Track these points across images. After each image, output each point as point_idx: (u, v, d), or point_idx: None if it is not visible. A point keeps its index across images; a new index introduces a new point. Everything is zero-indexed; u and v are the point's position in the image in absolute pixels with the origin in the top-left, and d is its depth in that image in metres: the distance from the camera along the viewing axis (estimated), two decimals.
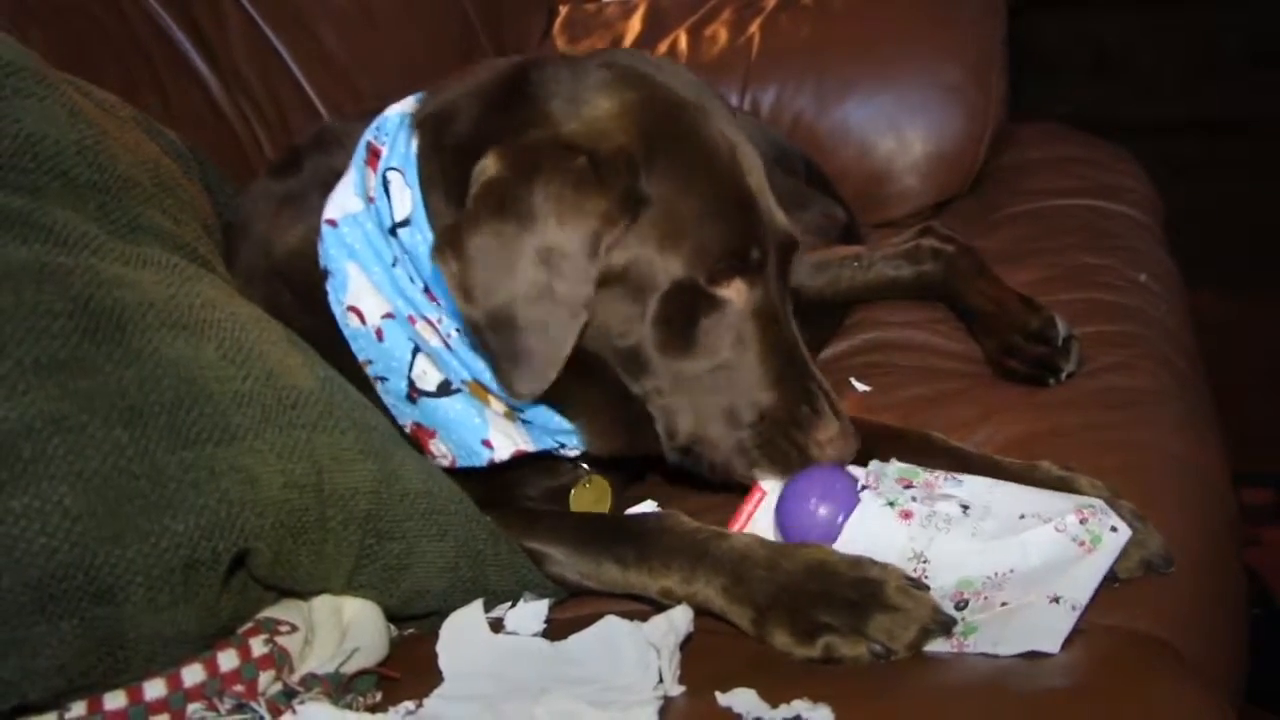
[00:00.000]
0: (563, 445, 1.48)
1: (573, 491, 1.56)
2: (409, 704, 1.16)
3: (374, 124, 1.50)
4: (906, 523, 1.30)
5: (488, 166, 1.32)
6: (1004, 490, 1.32)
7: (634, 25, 2.85)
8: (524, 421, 1.46)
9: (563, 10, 3.00)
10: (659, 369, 1.40)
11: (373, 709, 1.22)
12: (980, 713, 1.09)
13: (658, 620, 1.19)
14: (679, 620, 1.20)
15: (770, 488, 1.41)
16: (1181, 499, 1.50)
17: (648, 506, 1.45)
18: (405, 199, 1.41)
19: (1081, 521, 1.24)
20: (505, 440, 1.44)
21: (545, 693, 1.11)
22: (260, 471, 1.20)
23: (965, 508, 1.30)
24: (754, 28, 2.71)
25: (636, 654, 1.14)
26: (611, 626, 1.18)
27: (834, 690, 1.12)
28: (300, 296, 1.52)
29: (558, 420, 1.45)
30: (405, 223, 1.41)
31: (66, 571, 1.06)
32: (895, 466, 1.39)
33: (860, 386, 1.85)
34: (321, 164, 1.59)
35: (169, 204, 1.42)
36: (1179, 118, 3.75)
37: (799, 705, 1.09)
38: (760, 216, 1.40)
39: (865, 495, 1.35)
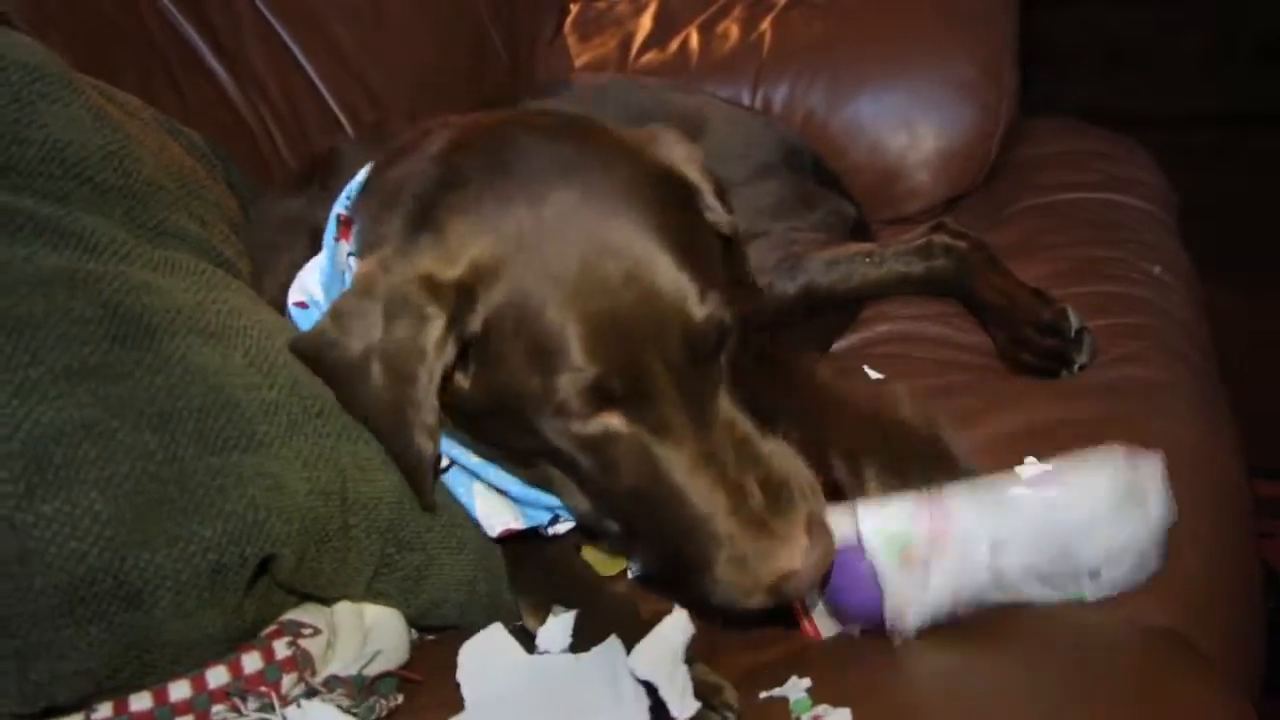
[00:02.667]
0: (558, 518, 1.40)
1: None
2: None
3: (345, 190, 1.45)
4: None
5: (349, 282, 1.30)
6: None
7: (644, 23, 2.85)
8: (514, 499, 1.40)
9: (574, 8, 2.99)
10: (589, 492, 1.30)
11: (394, 711, 1.23)
12: (992, 707, 1.10)
13: (645, 649, 1.11)
14: (671, 638, 1.13)
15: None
16: (1195, 490, 1.50)
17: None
18: None
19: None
20: (494, 517, 1.39)
21: (554, 713, 1.11)
22: (287, 478, 1.21)
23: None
24: (765, 25, 2.70)
25: (633, 687, 1.10)
26: (613, 654, 1.13)
27: (847, 689, 1.13)
28: None
29: (548, 497, 1.37)
30: None
31: (96, 575, 1.07)
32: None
33: (873, 375, 1.86)
34: (319, 197, 1.56)
35: (195, 206, 1.43)
36: (1191, 111, 3.74)
37: (820, 708, 1.11)
38: (628, 334, 1.21)
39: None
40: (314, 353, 1.31)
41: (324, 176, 1.62)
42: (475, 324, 1.24)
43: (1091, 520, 1.20)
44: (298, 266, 1.48)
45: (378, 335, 1.26)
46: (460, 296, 1.23)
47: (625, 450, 1.24)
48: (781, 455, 1.24)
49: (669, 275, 1.23)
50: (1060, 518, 1.19)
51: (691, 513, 1.21)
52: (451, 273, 1.24)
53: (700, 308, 1.23)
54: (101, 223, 1.25)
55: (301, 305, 1.44)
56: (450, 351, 1.24)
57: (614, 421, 1.23)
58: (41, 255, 1.17)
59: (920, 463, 1.22)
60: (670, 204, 1.30)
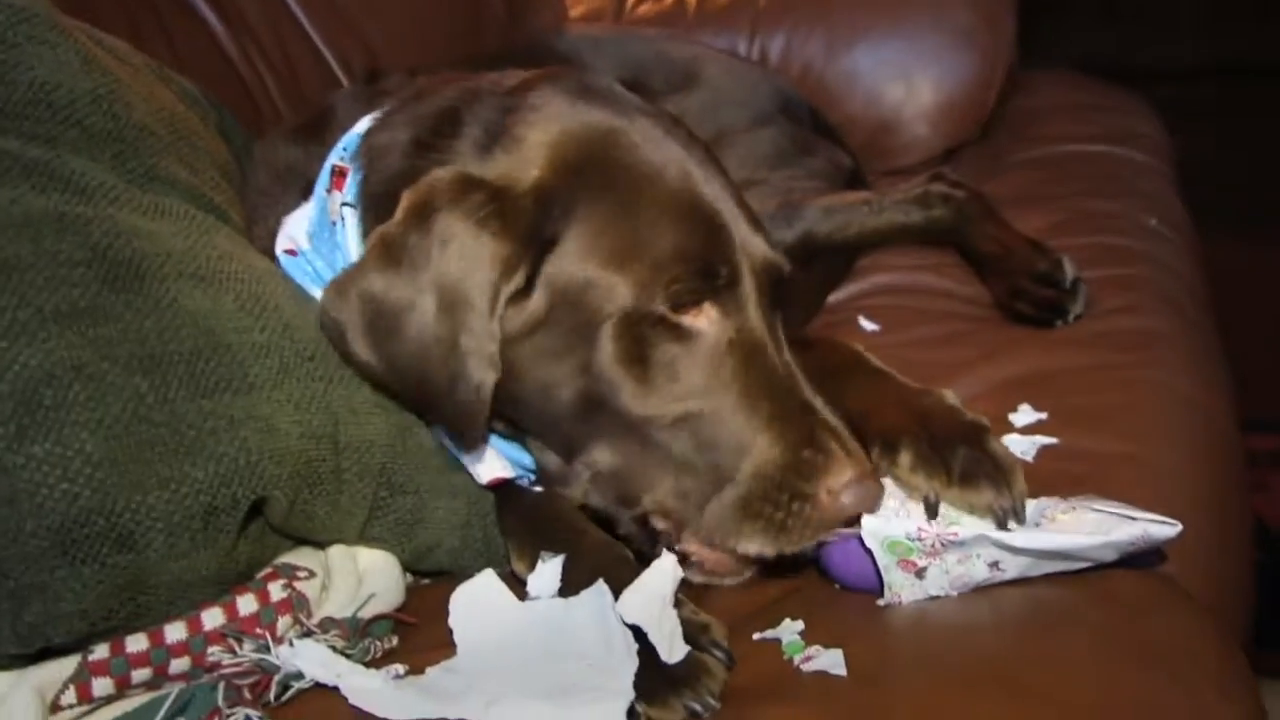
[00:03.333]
0: (534, 479, 1.38)
1: None
2: (398, 667, 1.17)
3: (340, 142, 1.42)
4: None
5: (398, 209, 1.24)
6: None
7: None
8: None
9: None
10: (618, 423, 1.23)
11: (389, 653, 1.24)
12: (985, 651, 1.10)
13: (633, 593, 1.10)
14: (659, 582, 1.12)
15: None
16: (1185, 438, 1.51)
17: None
18: (355, 242, 1.35)
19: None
20: (484, 466, 1.35)
21: (545, 658, 1.11)
22: (278, 421, 1.21)
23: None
24: None
25: (620, 633, 1.09)
26: (600, 597, 1.13)
27: (840, 630, 1.14)
28: None
29: (529, 458, 1.36)
30: None
31: (88, 517, 1.07)
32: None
33: (869, 326, 1.87)
34: (315, 150, 1.53)
35: (185, 152, 1.42)
36: (1191, 63, 3.72)
37: (812, 649, 1.11)
38: (727, 232, 1.24)
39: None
40: (356, 293, 1.25)
41: (320, 129, 1.60)
42: (554, 226, 1.21)
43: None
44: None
45: (432, 263, 1.20)
46: (538, 202, 1.21)
47: (704, 357, 1.21)
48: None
49: (748, 210, 1.28)
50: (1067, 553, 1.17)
51: (760, 419, 1.20)
52: (530, 175, 1.22)
53: (775, 251, 1.28)
54: (90, 166, 1.24)
55: (291, 253, 1.43)
56: (521, 272, 1.20)
57: (703, 323, 1.22)
58: (29, 198, 1.17)
59: (958, 453, 1.19)
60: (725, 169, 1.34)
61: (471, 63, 2.09)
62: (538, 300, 1.23)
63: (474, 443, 1.29)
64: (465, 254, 1.20)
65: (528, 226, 1.20)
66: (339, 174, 1.40)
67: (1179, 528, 1.12)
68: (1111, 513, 1.14)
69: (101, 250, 1.17)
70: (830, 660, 1.09)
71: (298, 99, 2.19)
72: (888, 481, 1.20)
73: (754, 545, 1.20)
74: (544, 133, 1.25)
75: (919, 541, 1.16)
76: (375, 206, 1.32)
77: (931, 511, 1.17)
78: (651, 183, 1.23)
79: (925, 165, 2.42)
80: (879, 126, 2.53)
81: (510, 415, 1.30)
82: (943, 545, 1.15)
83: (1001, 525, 1.14)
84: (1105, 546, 1.12)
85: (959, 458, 1.18)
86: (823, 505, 1.17)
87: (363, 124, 1.43)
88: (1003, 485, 1.16)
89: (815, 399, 1.22)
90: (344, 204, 1.37)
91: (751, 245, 1.26)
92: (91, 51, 1.34)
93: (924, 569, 1.17)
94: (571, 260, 1.22)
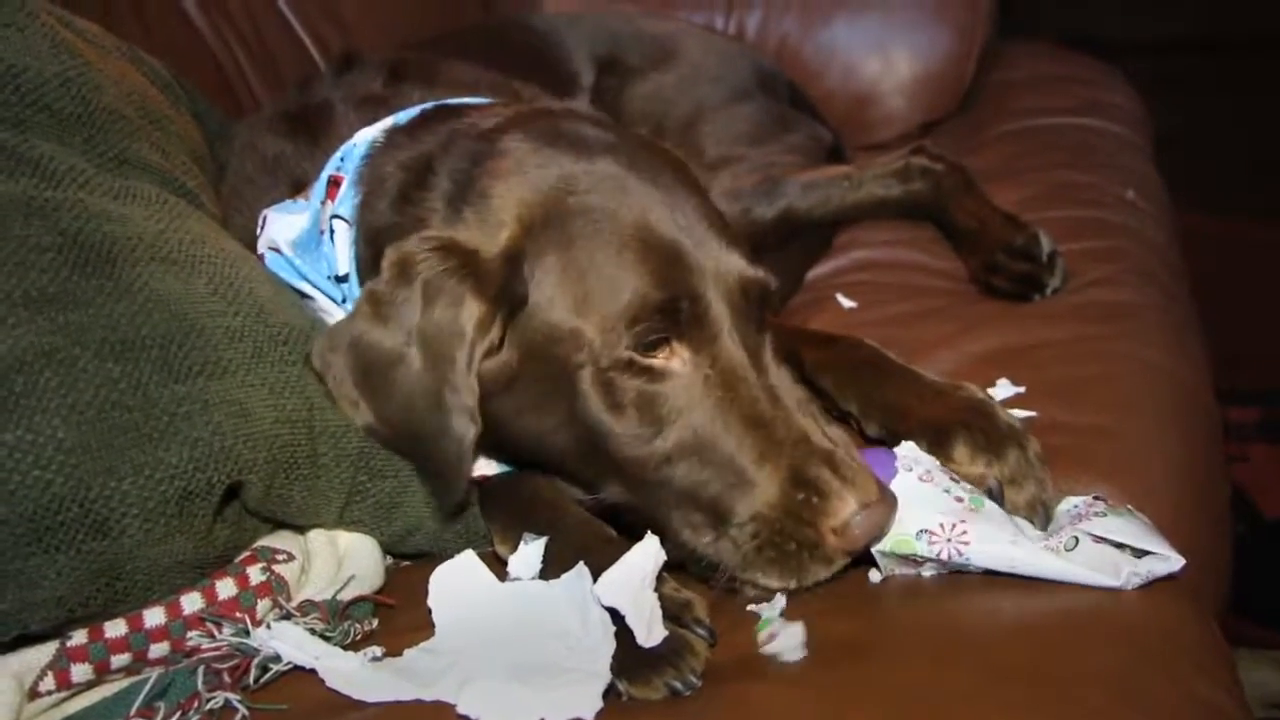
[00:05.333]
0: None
1: None
2: (375, 649, 1.18)
3: (338, 152, 1.45)
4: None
5: (383, 267, 1.27)
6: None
7: None
8: None
9: None
10: (615, 467, 1.24)
11: (369, 635, 1.24)
12: (963, 628, 1.11)
13: (612, 576, 1.10)
14: (639, 565, 1.11)
15: None
16: (1162, 409, 1.52)
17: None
18: (345, 256, 1.39)
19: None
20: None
21: (523, 639, 1.11)
22: (253, 405, 1.20)
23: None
24: None
25: (599, 615, 1.10)
26: (580, 579, 1.13)
27: (825, 607, 1.15)
28: None
29: None
30: (346, 278, 1.39)
31: (61, 504, 1.07)
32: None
33: (846, 303, 1.87)
34: (307, 150, 1.56)
35: (156, 136, 1.42)
36: (1169, 36, 3.72)
37: (776, 623, 1.12)
38: (688, 266, 1.22)
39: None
40: (347, 344, 1.29)
41: (313, 127, 1.60)
42: (523, 285, 1.23)
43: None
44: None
45: (416, 319, 1.24)
46: (508, 265, 1.23)
47: (680, 395, 1.21)
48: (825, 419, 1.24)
49: (723, 230, 1.27)
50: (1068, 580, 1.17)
51: (747, 453, 1.18)
52: (498, 240, 1.24)
53: (755, 269, 1.26)
54: (59, 150, 1.24)
55: (276, 250, 1.44)
56: (495, 331, 1.23)
57: (674, 363, 1.22)
58: None
59: (1009, 453, 1.24)
60: (705, 193, 1.35)
61: (448, 45, 2.08)
62: (509, 355, 1.25)
63: (455, 496, 1.29)
64: (447, 312, 1.22)
65: (499, 287, 1.22)
66: (333, 184, 1.41)
67: (1182, 563, 1.13)
68: (1120, 544, 1.14)
69: (71, 235, 1.16)
70: (787, 643, 1.10)
71: (273, 79, 2.18)
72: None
73: (773, 582, 1.18)
74: (509, 188, 1.27)
75: (930, 548, 1.16)
76: (366, 244, 1.37)
77: (995, 498, 1.21)
78: (610, 227, 1.24)
79: (904, 139, 2.43)
80: (857, 100, 2.53)
81: (525, 461, 1.34)
82: (948, 557, 1.16)
83: (1042, 524, 1.20)
84: (1106, 580, 1.12)
85: (1011, 457, 1.24)
86: (830, 545, 1.16)
87: (361, 138, 1.44)
88: (1045, 485, 1.24)
89: (807, 422, 1.20)
90: (335, 215, 1.38)
91: (726, 267, 1.25)
92: (61, 34, 1.33)
93: (923, 566, 1.19)
94: (539, 315, 1.24)
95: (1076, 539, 1.14)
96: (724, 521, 1.19)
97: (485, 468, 1.36)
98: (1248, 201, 3.54)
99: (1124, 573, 1.11)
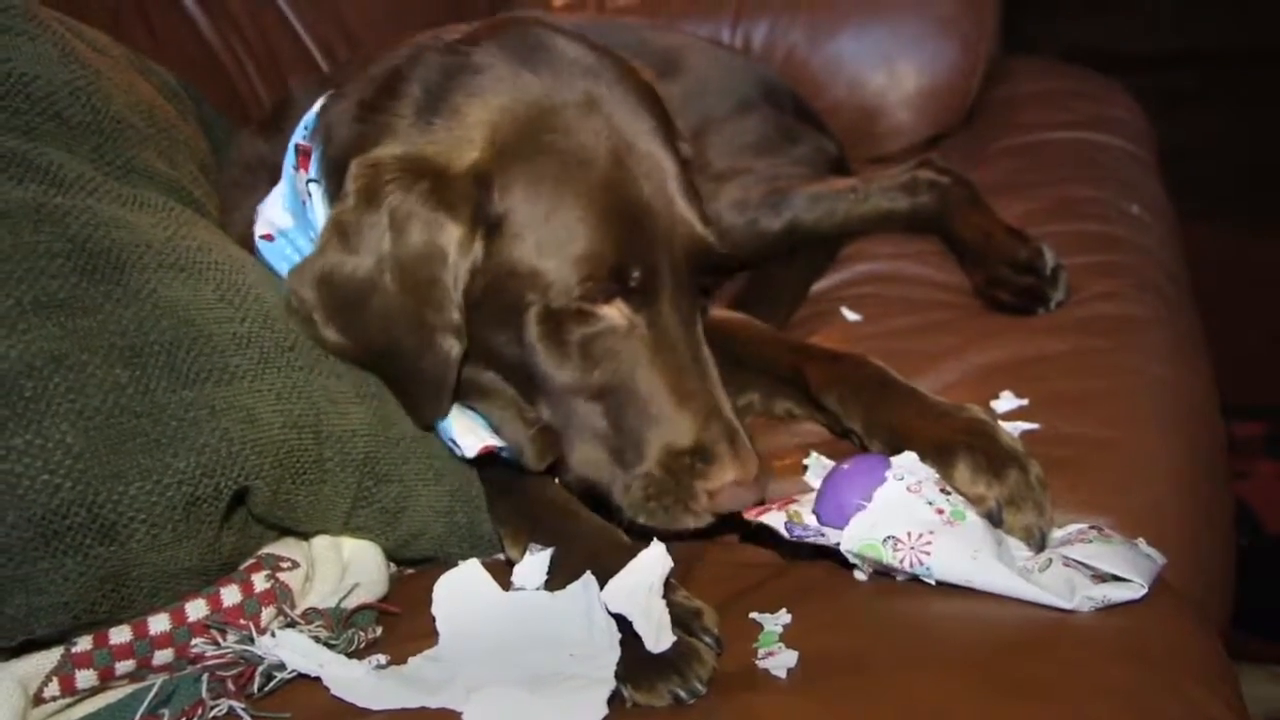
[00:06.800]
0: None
1: None
2: (380, 657, 1.18)
3: (302, 121, 1.45)
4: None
5: (345, 190, 1.28)
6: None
7: None
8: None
9: None
10: (546, 393, 1.32)
11: (373, 643, 1.24)
12: (968, 642, 1.11)
13: (619, 583, 1.11)
14: (647, 571, 1.12)
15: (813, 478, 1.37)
16: (1166, 422, 1.52)
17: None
18: (324, 215, 1.37)
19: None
20: (472, 438, 1.37)
21: (527, 647, 1.11)
22: (260, 411, 1.21)
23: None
24: None
25: (605, 622, 1.11)
26: (586, 589, 1.14)
27: (827, 619, 1.15)
28: None
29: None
30: None
31: (69, 508, 1.07)
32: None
33: (851, 316, 1.87)
34: (277, 139, 1.55)
35: (164, 145, 1.42)
36: (1174, 51, 3.73)
37: (775, 645, 1.13)
38: (646, 230, 1.28)
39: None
40: (317, 276, 1.29)
41: (280, 119, 1.61)
42: (494, 208, 1.26)
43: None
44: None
45: (388, 245, 1.25)
46: (477, 184, 1.25)
47: (614, 344, 1.29)
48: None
49: (684, 187, 1.31)
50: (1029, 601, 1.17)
51: (661, 409, 1.28)
52: (468, 157, 1.25)
53: (705, 230, 1.31)
54: (68, 158, 1.24)
55: (268, 238, 1.44)
56: (478, 248, 1.26)
57: (614, 314, 1.28)
58: (7, 189, 1.16)
59: (1010, 474, 1.24)
60: (673, 130, 1.37)
61: None
62: (481, 277, 1.28)
63: (438, 412, 1.33)
64: (423, 234, 1.25)
65: (473, 207, 1.25)
66: (304, 153, 1.41)
67: (1143, 592, 1.13)
68: (1093, 569, 1.15)
69: (80, 241, 1.17)
70: (782, 662, 1.10)
71: (280, 86, 2.19)
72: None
73: (652, 524, 1.28)
74: (483, 109, 1.28)
75: (894, 554, 1.18)
76: (333, 175, 1.35)
77: (994, 520, 1.21)
78: (580, 174, 1.27)
79: (909, 152, 2.42)
80: (862, 113, 2.53)
81: (475, 364, 1.35)
82: (910, 565, 1.17)
83: (1036, 547, 1.21)
84: (1058, 601, 1.13)
85: (1011, 479, 1.24)
86: (700, 504, 1.28)
87: (320, 101, 1.44)
88: (1044, 510, 1.24)
89: (720, 394, 1.30)
90: (309, 180, 1.38)
91: (679, 226, 1.30)
92: (70, 43, 1.34)
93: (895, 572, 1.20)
94: (508, 246, 1.27)
95: (1050, 560, 1.16)
96: (623, 465, 1.29)
97: (488, 438, 1.37)
98: (1252, 215, 3.54)
99: (1078, 596, 1.12)
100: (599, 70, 1.33)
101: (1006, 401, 1.52)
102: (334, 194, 1.34)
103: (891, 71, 2.51)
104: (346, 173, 1.29)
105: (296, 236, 1.41)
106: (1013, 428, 1.44)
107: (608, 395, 1.30)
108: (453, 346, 1.28)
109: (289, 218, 1.43)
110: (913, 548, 1.17)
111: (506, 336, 1.30)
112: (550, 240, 1.26)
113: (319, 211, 1.38)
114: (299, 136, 1.43)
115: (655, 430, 1.28)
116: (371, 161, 1.27)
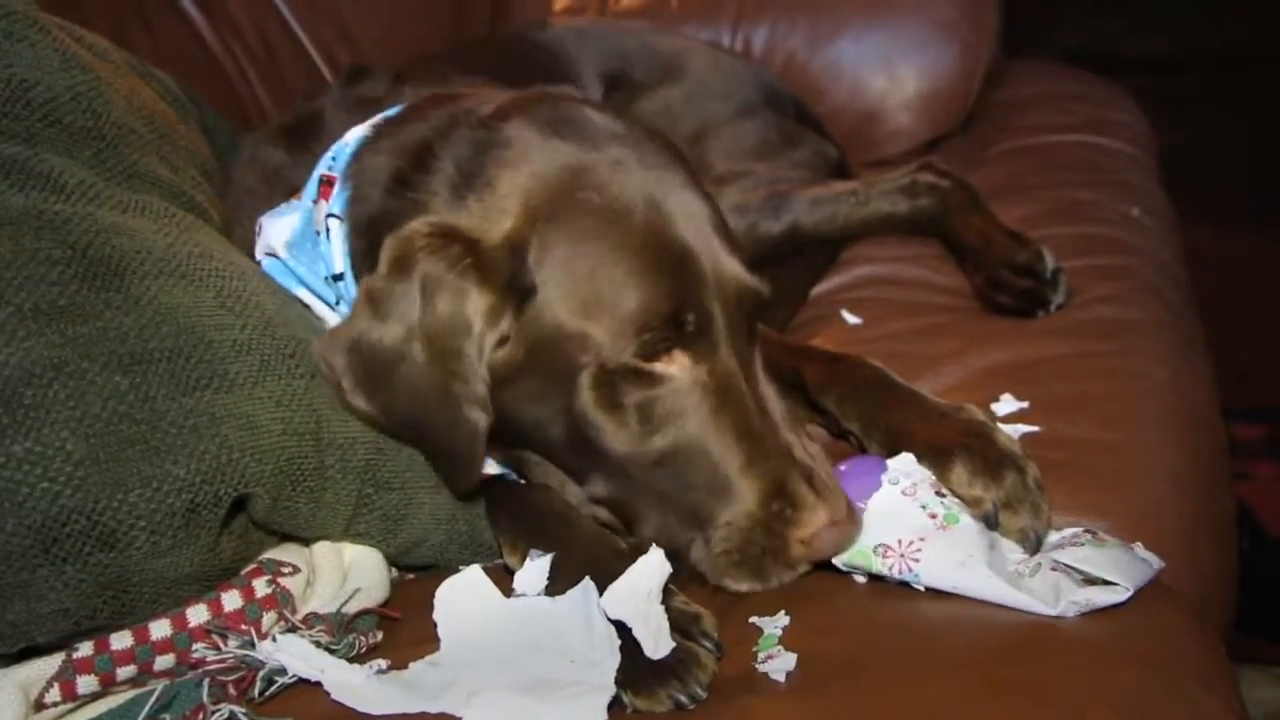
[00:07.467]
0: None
1: None
2: (380, 662, 1.18)
3: (329, 152, 1.44)
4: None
5: (380, 260, 1.26)
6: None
7: None
8: None
9: None
10: (602, 464, 1.28)
11: (374, 648, 1.24)
12: (968, 644, 1.11)
13: (618, 589, 1.11)
14: (646, 577, 1.12)
15: None
16: (1166, 425, 1.52)
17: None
18: (340, 254, 1.38)
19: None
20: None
21: (528, 653, 1.12)
22: (260, 418, 1.21)
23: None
24: None
25: (604, 629, 1.11)
26: (586, 595, 1.14)
27: (826, 622, 1.15)
28: None
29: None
30: (341, 276, 1.39)
31: (69, 516, 1.07)
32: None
33: (851, 319, 1.87)
34: (302, 157, 1.55)
35: (165, 150, 1.42)
36: (1175, 54, 3.73)
37: (775, 649, 1.13)
38: (695, 275, 1.25)
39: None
40: (347, 343, 1.28)
41: (307, 135, 1.60)
42: (529, 276, 1.23)
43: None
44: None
45: (417, 313, 1.24)
46: (512, 254, 1.22)
47: (677, 404, 1.24)
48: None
49: (724, 233, 1.29)
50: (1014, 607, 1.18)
51: (734, 462, 1.22)
52: (502, 226, 1.23)
53: (748, 274, 1.28)
54: (69, 164, 1.24)
55: (273, 255, 1.44)
56: (506, 322, 1.23)
57: (674, 370, 1.24)
58: (7, 196, 1.17)
59: (1008, 476, 1.23)
60: (702, 185, 1.35)
61: (456, 57, 2.09)
62: (517, 347, 1.26)
63: (468, 483, 1.31)
64: (450, 304, 1.23)
65: (506, 277, 1.22)
66: (326, 183, 1.41)
67: (1128, 595, 1.13)
68: (1082, 573, 1.15)
69: (81, 248, 1.17)
70: (781, 665, 1.10)
71: (281, 92, 2.20)
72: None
73: (741, 585, 1.23)
74: (515, 177, 1.26)
75: (883, 563, 1.19)
76: (359, 236, 1.36)
77: (990, 523, 1.21)
78: (620, 226, 1.24)
79: (909, 155, 2.42)
80: (863, 117, 2.54)
81: (517, 445, 1.34)
82: (899, 573, 1.18)
83: (1031, 550, 1.20)
84: (1043, 608, 1.13)
85: (1008, 481, 1.23)
86: (795, 554, 1.21)
87: (352, 136, 1.43)
88: (1041, 512, 1.23)
89: (790, 436, 1.25)
90: (329, 215, 1.38)
91: (726, 274, 1.27)
92: (71, 49, 1.34)
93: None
94: (547, 311, 1.24)
95: (1040, 564, 1.17)
96: (700, 525, 1.23)
97: (488, 467, 1.36)
98: (1254, 218, 3.54)
99: (1063, 601, 1.12)
100: (627, 135, 1.31)
101: (1007, 404, 1.52)
102: (356, 248, 1.35)
103: (892, 75, 2.52)
104: (373, 236, 1.29)
105: (294, 266, 1.41)
106: (1013, 430, 1.44)
107: (674, 457, 1.24)
108: (480, 419, 1.25)
109: (284, 250, 1.42)
110: (902, 555, 1.18)
111: (553, 409, 1.27)
112: (597, 298, 1.22)
113: (336, 248, 1.37)
114: (324, 167, 1.42)
115: (732, 486, 1.23)
116: (406, 234, 1.25)
